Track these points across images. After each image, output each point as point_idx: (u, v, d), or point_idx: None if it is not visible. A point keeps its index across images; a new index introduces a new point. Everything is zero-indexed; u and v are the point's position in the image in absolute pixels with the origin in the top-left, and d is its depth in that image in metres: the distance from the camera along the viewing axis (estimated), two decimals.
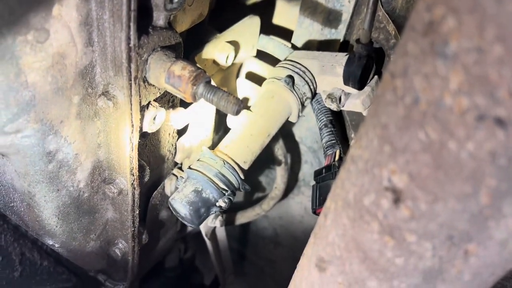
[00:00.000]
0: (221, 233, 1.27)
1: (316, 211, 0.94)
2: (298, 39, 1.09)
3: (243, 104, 0.61)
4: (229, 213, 1.32)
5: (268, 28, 1.13)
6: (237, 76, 1.07)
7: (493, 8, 0.24)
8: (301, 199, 1.46)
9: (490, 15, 0.25)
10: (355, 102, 0.92)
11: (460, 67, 0.27)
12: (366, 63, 0.73)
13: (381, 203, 0.37)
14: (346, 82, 0.76)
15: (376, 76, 0.87)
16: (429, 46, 0.29)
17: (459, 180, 0.30)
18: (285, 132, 1.29)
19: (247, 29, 1.01)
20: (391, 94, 0.34)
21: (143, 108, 0.67)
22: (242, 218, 1.33)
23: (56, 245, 0.78)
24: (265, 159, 1.40)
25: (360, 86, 0.76)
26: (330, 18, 1.02)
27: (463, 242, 0.34)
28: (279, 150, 1.23)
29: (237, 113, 0.60)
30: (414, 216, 0.35)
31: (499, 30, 0.25)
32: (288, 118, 0.99)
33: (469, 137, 0.28)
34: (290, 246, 1.62)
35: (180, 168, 0.94)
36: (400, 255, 0.38)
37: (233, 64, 1.00)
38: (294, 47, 1.09)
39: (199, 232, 1.26)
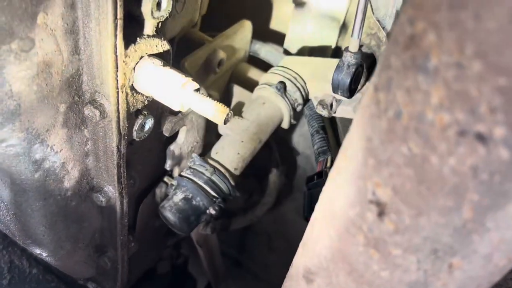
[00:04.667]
0: (213, 239, 1.26)
1: (307, 218, 0.94)
2: (290, 45, 1.10)
3: (231, 113, 0.61)
4: (221, 220, 1.31)
5: (261, 34, 1.13)
6: (229, 82, 1.07)
7: (472, 24, 0.24)
8: (295, 205, 1.45)
9: (469, 31, 0.25)
10: (346, 108, 0.92)
11: (441, 82, 0.27)
12: (355, 72, 0.73)
13: (366, 215, 0.37)
14: (335, 91, 0.76)
15: (367, 83, 0.87)
16: (410, 60, 0.29)
17: (442, 195, 0.30)
18: (278, 138, 1.28)
19: (239, 34, 1.01)
20: (374, 107, 0.33)
21: (131, 116, 0.66)
22: (234, 224, 1.32)
23: (44, 254, 0.77)
24: (257, 165, 1.39)
25: (349, 94, 0.75)
26: (323, 24, 1.02)
27: (447, 255, 0.34)
28: (272, 156, 1.22)
29: (225, 122, 0.59)
30: (399, 230, 0.34)
31: (478, 46, 0.24)
32: (280, 124, 0.98)
33: (451, 152, 0.28)
34: (284, 251, 1.61)
35: (171, 176, 0.93)
36: (386, 268, 0.38)
37: (224, 70, 1.00)
38: (286, 53, 1.09)
39: (192, 238, 1.25)
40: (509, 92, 0.24)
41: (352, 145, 0.38)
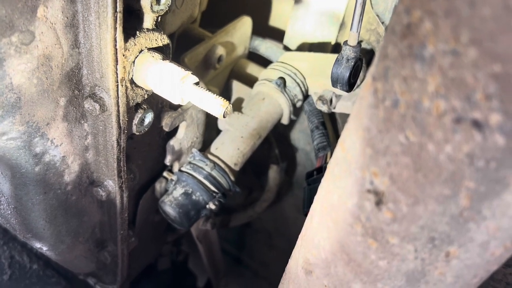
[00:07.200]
0: (213, 235, 1.27)
1: (307, 213, 0.94)
2: (290, 41, 1.10)
3: (231, 106, 0.61)
4: (221, 216, 1.31)
5: (260, 30, 1.13)
6: (229, 77, 1.07)
7: (467, 11, 0.24)
8: (295, 201, 1.46)
9: (464, 19, 0.25)
10: (346, 104, 0.92)
11: (437, 70, 0.27)
12: (354, 65, 0.73)
13: (364, 205, 0.37)
14: (334, 85, 0.76)
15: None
16: (407, 49, 0.29)
17: (439, 183, 0.30)
18: (278, 134, 1.29)
19: (238, 30, 1.01)
20: (372, 96, 0.34)
21: (130, 110, 0.66)
22: (234, 220, 1.32)
23: (44, 248, 0.77)
24: (257, 161, 1.39)
25: (349, 88, 0.76)
26: (322, 20, 1.02)
27: (444, 244, 0.34)
28: (271, 152, 1.22)
29: (224, 115, 0.59)
30: (396, 219, 0.35)
31: (473, 33, 0.25)
32: (279, 120, 0.99)
33: (447, 140, 0.28)
34: (284, 248, 1.62)
35: (170, 171, 0.93)
36: (383, 257, 0.38)
37: (224, 65, 1.00)
38: (286, 49, 1.09)
39: (192, 234, 1.26)
40: (504, 79, 0.25)
41: (350, 136, 0.38)
